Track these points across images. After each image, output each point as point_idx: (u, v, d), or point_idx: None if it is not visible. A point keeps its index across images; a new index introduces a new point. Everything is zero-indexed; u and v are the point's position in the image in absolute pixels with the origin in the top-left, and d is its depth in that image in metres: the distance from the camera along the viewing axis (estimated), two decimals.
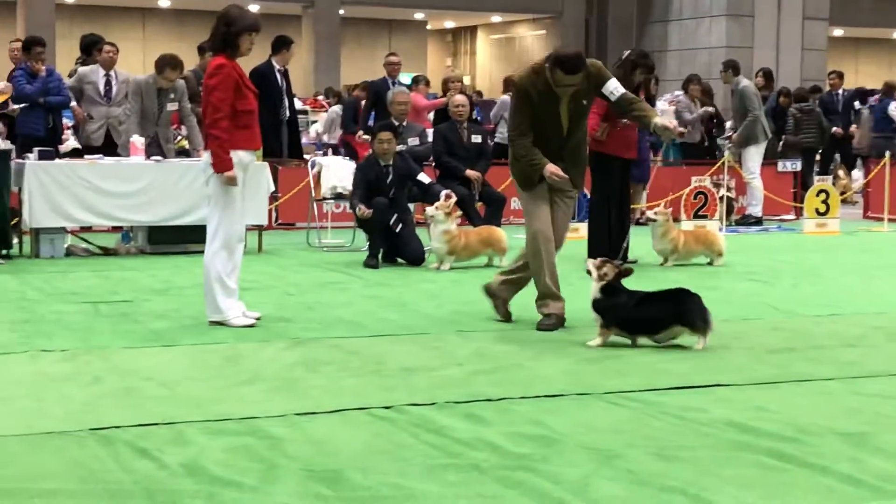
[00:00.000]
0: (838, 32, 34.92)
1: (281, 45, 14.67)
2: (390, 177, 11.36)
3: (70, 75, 14.37)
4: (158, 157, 12.19)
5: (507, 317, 8.21)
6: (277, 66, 14.65)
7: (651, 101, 12.76)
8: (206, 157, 7.89)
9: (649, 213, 11.68)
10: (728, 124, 18.71)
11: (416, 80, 16.85)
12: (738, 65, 16.93)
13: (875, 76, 34.05)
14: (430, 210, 11.02)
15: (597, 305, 7.37)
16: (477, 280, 10.31)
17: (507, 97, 18.39)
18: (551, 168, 7.82)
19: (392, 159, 11.41)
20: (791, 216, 17.23)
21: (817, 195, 15.09)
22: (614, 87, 8.00)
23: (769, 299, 9.39)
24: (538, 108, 7.87)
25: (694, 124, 17.55)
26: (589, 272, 7.47)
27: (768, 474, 4.60)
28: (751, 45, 27.79)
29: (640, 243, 12.14)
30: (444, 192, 11.30)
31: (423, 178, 11.53)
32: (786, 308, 8.94)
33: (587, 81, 7.89)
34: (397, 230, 11.24)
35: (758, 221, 16.20)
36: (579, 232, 12.39)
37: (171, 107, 12.70)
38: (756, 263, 11.74)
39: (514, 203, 15.87)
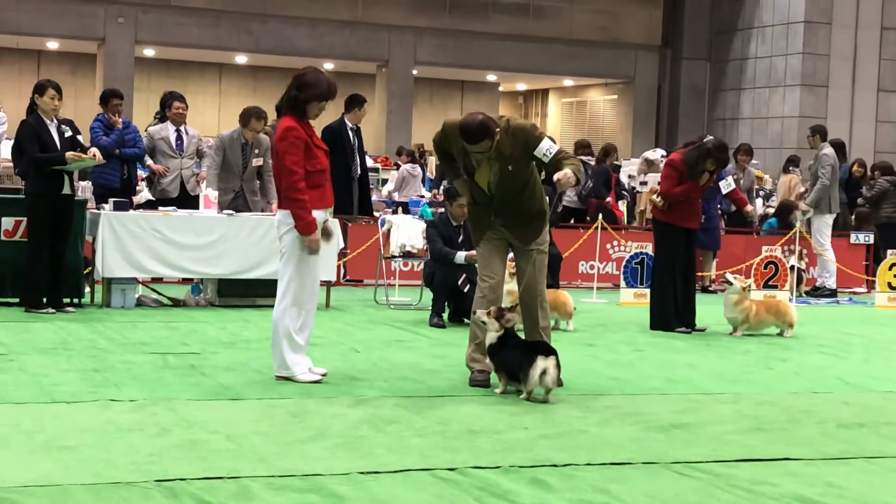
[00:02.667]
0: None
1: (353, 103, 14.81)
2: (461, 237, 11.39)
3: (147, 130, 14.59)
4: (230, 211, 12.31)
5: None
6: (350, 125, 14.78)
7: (716, 187, 12.78)
8: (280, 213, 7.94)
9: (729, 276, 11.57)
10: (801, 189, 18.53)
11: None
12: (825, 131, 16.76)
13: None
14: None
15: (490, 351, 7.71)
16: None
17: None
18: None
19: (463, 221, 11.45)
20: (863, 289, 17.01)
21: (890, 269, 14.89)
22: (547, 148, 7.78)
23: (840, 373, 9.25)
24: (463, 164, 7.94)
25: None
26: (483, 322, 7.71)
27: None
28: (824, 116, 27.64)
29: (711, 311, 12.04)
30: (509, 255, 11.28)
31: None
32: (857, 382, 8.80)
33: (512, 147, 7.76)
34: (465, 290, 11.24)
35: (832, 293, 16.00)
36: (646, 297, 12.33)
37: (256, 162, 12.84)
38: (827, 336, 11.58)
39: (582, 266, 15.84)
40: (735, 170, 17.42)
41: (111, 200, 11.97)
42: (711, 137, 11.68)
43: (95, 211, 11.84)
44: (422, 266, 13.05)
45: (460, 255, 11.24)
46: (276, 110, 8.05)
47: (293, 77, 7.92)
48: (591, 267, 15.55)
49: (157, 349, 8.99)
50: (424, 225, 12.63)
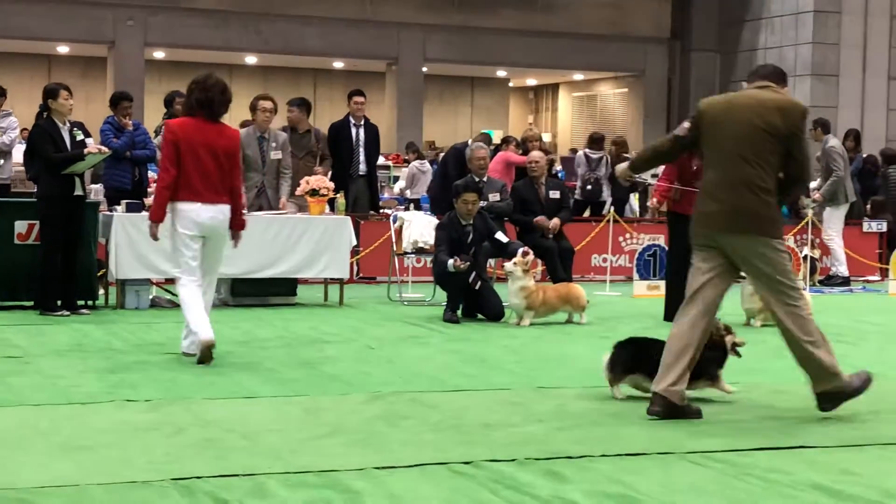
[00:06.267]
0: None
1: (348, 98, 15.02)
2: (471, 236, 11.38)
3: (156, 131, 14.63)
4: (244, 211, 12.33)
5: None
6: (353, 121, 14.85)
7: None
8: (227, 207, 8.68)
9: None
10: (813, 184, 18.53)
11: (505, 141, 16.97)
12: (828, 123, 16.79)
13: None
14: (508, 266, 11.02)
15: None
16: (558, 336, 10.33)
17: (580, 154, 18.42)
18: None
19: (472, 219, 11.44)
20: (876, 277, 16.97)
21: None
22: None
23: (855, 360, 9.20)
24: None
25: None
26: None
27: None
28: (835, 105, 27.55)
29: (725, 301, 11.99)
30: (521, 249, 11.32)
31: (501, 237, 11.53)
32: (872, 370, 8.76)
33: None
34: (477, 287, 11.25)
35: (845, 281, 15.98)
36: (659, 289, 12.32)
37: (275, 155, 12.81)
38: (841, 324, 11.56)
39: (595, 259, 15.84)
40: None
41: (123, 202, 12.00)
42: None
43: (108, 213, 11.88)
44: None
45: (449, 264, 11.14)
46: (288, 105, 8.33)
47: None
48: (604, 260, 15.54)
49: (171, 349, 9.01)
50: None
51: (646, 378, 7.14)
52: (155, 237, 8.70)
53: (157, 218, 8.63)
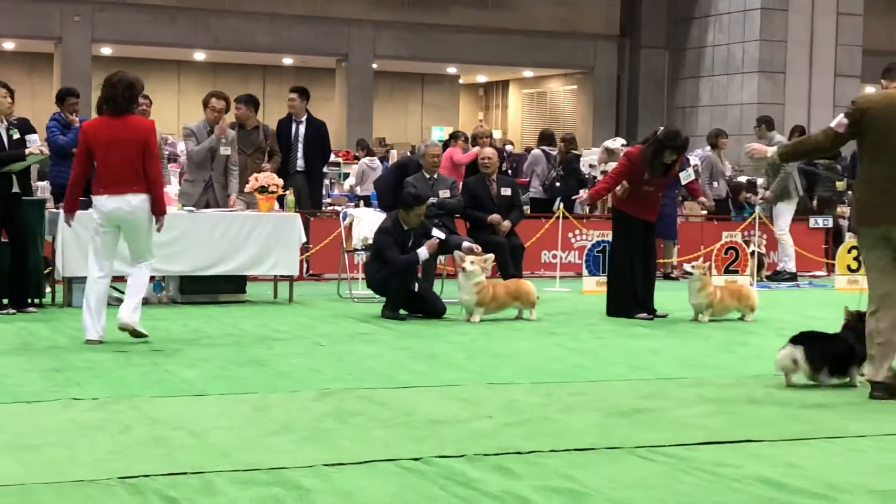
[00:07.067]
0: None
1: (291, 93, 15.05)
2: (412, 240, 11.34)
3: None
4: (191, 208, 12.27)
5: None
6: (294, 117, 14.83)
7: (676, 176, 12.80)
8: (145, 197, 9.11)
9: (687, 267, 11.69)
10: (760, 181, 18.69)
11: (454, 136, 16.93)
12: (772, 120, 16.96)
13: None
14: (468, 266, 10.95)
15: None
16: (508, 332, 10.34)
17: (538, 151, 18.44)
18: None
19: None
20: (823, 272, 17.15)
21: (849, 252, 15.00)
22: None
23: None
24: None
25: (719, 180, 17.60)
26: None
27: None
28: (782, 102, 27.81)
29: (673, 297, 12.13)
30: (466, 245, 11.33)
31: (438, 233, 11.50)
32: None
33: None
34: (416, 290, 11.28)
35: (792, 277, 16.13)
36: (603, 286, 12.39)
37: (224, 151, 12.76)
38: (788, 319, 11.65)
39: (545, 256, 15.89)
40: (716, 154, 17.58)
41: None
42: (662, 129, 11.81)
43: (54, 210, 11.76)
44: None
45: (423, 252, 11.16)
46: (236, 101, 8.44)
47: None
48: (554, 256, 15.61)
49: (119, 347, 8.95)
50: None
51: (825, 374, 7.75)
52: (69, 224, 9.82)
53: (67, 209, 9.63)
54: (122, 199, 9.07)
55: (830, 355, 7.76)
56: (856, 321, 7.81)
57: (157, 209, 9.22)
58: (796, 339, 7.78)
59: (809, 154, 8.91)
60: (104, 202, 9.12)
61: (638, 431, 6.34)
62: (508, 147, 23.80)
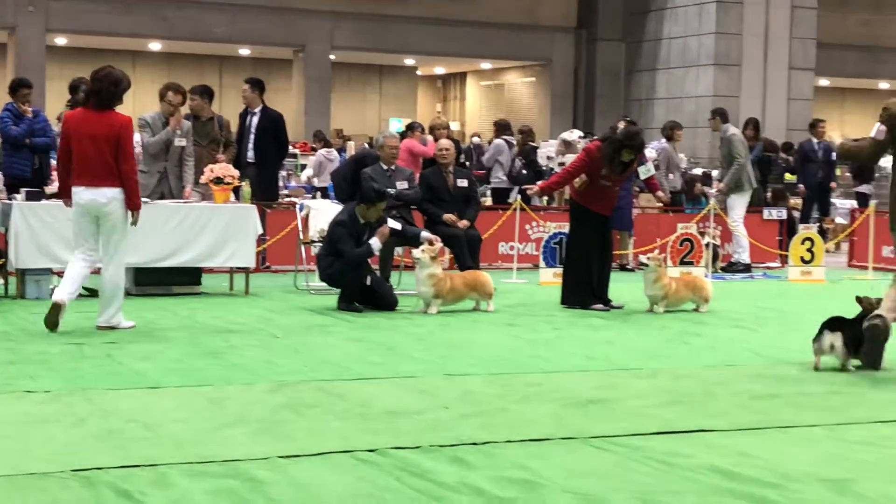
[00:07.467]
0: (824, 82, 35.15)
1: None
2: (367, 234, 11.31)
3: (59, 118, 14.39)
4: (147, 199, 12.18)
5: None
6: (249, 109, 14.79)
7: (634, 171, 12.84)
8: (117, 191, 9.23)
9: (643, 258, 11.76)
10: (714, 173, 18.81)
11: (410, 127, 16.90)
12: (726, 112, 17.07)
13: (860, 126, 34.25)
14: (415, 253, 11.01)
15: None
16: (465, 324, 10.36)
17: (500, 141, 18.48)
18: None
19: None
20: (777, 263, 17.28)
21: (802, 243, 15.13)
22: None
23: (754, 346, 9.40)
24: None
25: (674, 172, 17.73)
26: None
27: None
28: (737, 95, 27.96)
29: (628, 288, 12.19)
30: (425, 235, 11.34)
31: (394, 224, 11.48)
32: (770, 355, 8.95)
33: None
34: (368, 283, 11.26)
35: (746, 268, 16.25)
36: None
37: (179, 142, 12.69)
38: (741, 310, 11.76)
39: (502, 247, 15.91)
40: (671, 146, 17.70)
41: (23, 190, 11.79)
42: (622, 127, 11.87)
43: (7, 202, 11.66)
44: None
45: (375, 242, 11.14)
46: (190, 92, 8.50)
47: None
48: (511, 248, 15.64)
49: (72, 339, 8.89)
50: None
51: (852, 358, 8.14)
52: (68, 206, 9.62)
53: (60, 196, 9.80)
54: (99, 191, 9.26)
55: (858, 341, 8.09)
56: (873, 308, 8.15)
57: (132, 203, 9.36)
58: (832, 326, 8.13)
59: (859, 160, 9.71)
60: (81, 193, 9.30)
61: (593, 422, 6.38)
62: (476, 139, 23.76)
